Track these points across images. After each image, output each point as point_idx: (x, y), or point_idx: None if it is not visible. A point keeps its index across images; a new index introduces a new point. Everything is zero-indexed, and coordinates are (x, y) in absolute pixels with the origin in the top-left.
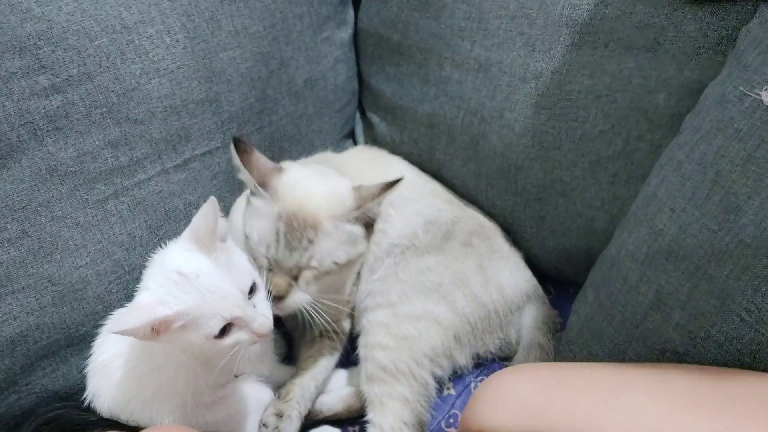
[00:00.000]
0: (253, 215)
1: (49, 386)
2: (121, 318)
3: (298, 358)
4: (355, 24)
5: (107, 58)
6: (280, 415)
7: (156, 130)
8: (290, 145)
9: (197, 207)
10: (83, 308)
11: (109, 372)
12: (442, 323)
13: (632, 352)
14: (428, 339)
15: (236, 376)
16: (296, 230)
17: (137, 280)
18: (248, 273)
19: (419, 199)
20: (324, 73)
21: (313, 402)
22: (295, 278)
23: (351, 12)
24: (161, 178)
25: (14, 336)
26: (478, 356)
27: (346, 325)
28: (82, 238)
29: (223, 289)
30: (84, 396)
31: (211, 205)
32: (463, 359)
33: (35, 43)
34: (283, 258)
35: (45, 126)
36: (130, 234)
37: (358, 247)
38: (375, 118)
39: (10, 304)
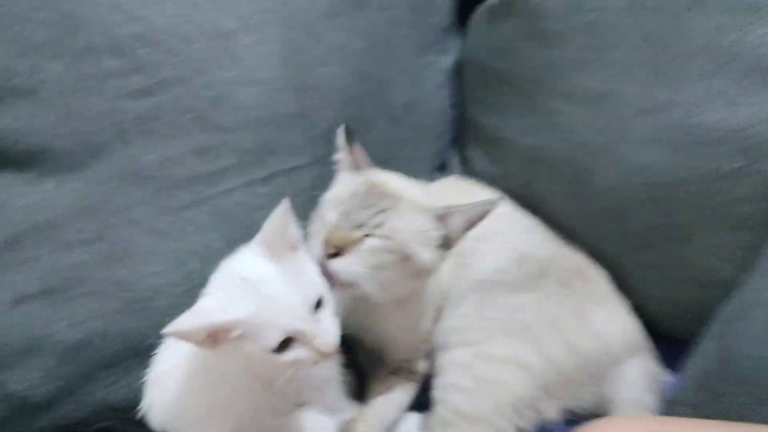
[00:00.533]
0: (335, 185)
1: (109, 398)
2: (178, 320)
3: (368, 395)
4: (460, 52)
5: (201, 63)
6: None
7: (244, 140)
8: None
9: None
10: (150, 318)
11: (165, 384)
12: (530, 369)
13: (761, 416)
14: (512, 385)
15: (299, 405)
16: (375, 195)
17: None
18: (316, 285)
19: (513, 233)
20: (424, 98)
21: None
22: (356, 243)
23: (455, 40)
24: (244, 190)
25: (78, 341)
26: (568, 411)
27: (422, 364)
28: (156, 246)
29: (286, 299)
30: (139, 408)
31: (282, 208)
32: (551, 412)
33: (133, 45)
34: (352, 210)
35: (133, 128)
36: (206, 245)
37: (429, 254)
38: (472, 150)
39: (77, 307)
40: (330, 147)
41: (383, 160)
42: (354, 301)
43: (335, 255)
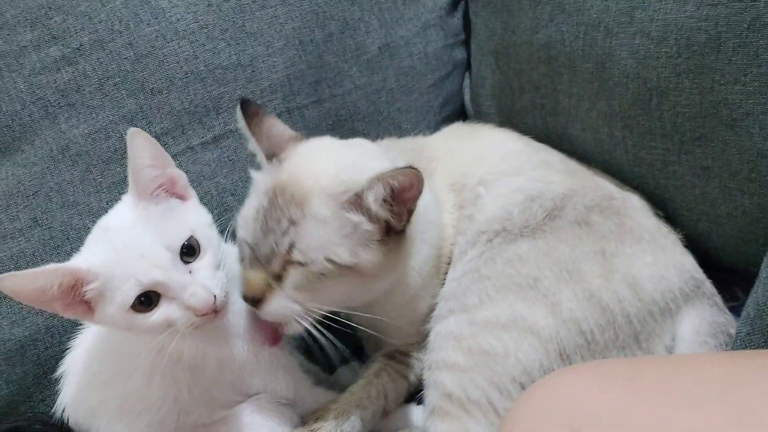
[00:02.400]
0: (250, 195)
1: None
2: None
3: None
4: None
5: (120, 22)
6: None
7: (176, 100)
8: (365, 126)
9: (233, 193)
10: None
11: (77, 373)
12: (540, 333)
13: None
14: (518, 356)
15: (246, 396)
16: (279, 207)
17: None
18: (186, 229)
19: (522, 172)
20: (408, 39)
21: None
22: (279, 278)
23: None
24: (186, 157)
25: (23, 339)
26: None
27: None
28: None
29: (142, 246)
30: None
31: (132, 137)
32: None
33: (46, 13)
34: (259, 240)
35: (57, 102)
36: None
37: (369, 254)
38: (485, 71)
39: (19, 303)
40: (289, 101)
41: (367, 114)
42: None
43: (260, 301)
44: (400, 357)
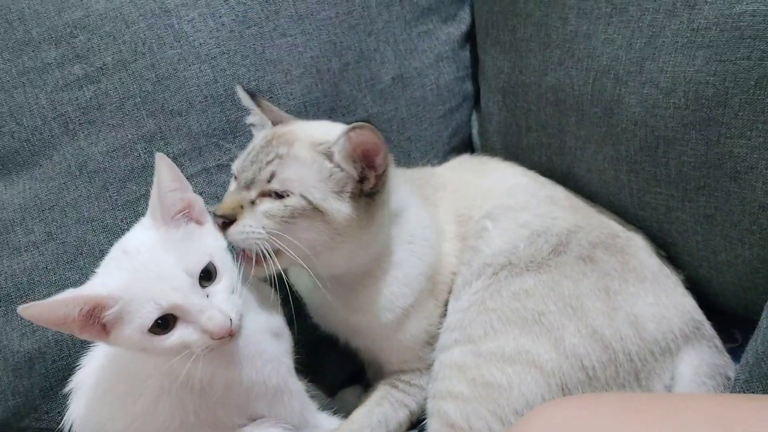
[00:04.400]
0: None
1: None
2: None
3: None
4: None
5: (143, 44)
6: None
7: (195, 122)
8: None
9: None
10: None
11: (85, 391)
12: (543, 367)
13: None
14: (521, 389)
15: (251, 419)
16: (271, 145)
17: None
18: (205, 254)
19: (528, 208)
20: (421, 70)
21: None
22: (253, 204)
23: (465, 9)
24: (201, 178)
25: (32, 352)
26: None
27: (424, 378)
28: (108, 244)
29: (162, 268)
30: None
31: (160, 161)
32: None
33: (71, 32)
34: (243, 168)
35: (77, 119)
36: None
37: (339, 205)
38: (493, 108)
39: None
40: None
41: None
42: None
43: (230, 224)
44: (403, 386)
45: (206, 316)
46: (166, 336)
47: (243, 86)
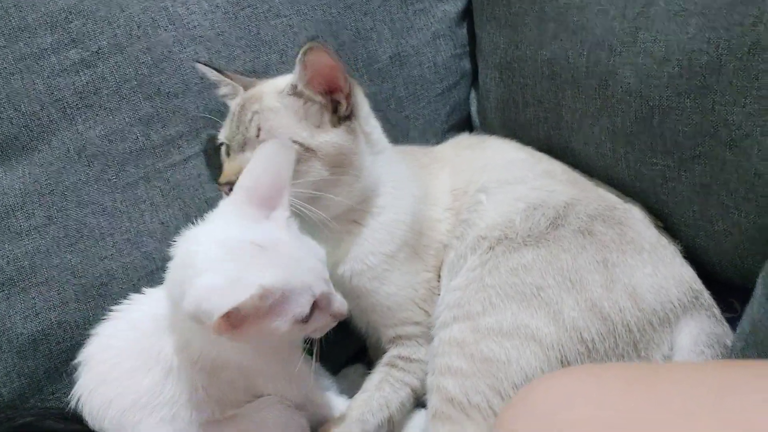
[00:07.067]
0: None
1: None
2: (220, 297)
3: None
4: None
5: (138, 27)
6: None
7: (191, 104)
8: None
9: None
10: (108, 306)
11: (95, 363)
12: (542, 341)
13: None
14: (520, 363)
15: (255, 396)
16: (246, 108)
17: None
18: (318, 245)
19: (524, 181)
20: (417, 48)
21: None
22: None
23: None
24: (200, 160)
25: (36, 334)
26: None
27: (422, 351)
28: (109, 227)
29: (306, 259)
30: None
31: (273, 148)
32: None
33: (66, 17)
34: (231, 134)
35: (75, 103)
36: (162, 223)
37: (327, 135)
38: (490, 84)
39: (33, 298)
40: None
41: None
42: None
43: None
44: (402, 363)
45: (338, 301)
46: (308, 324)
47: (202, 62)
